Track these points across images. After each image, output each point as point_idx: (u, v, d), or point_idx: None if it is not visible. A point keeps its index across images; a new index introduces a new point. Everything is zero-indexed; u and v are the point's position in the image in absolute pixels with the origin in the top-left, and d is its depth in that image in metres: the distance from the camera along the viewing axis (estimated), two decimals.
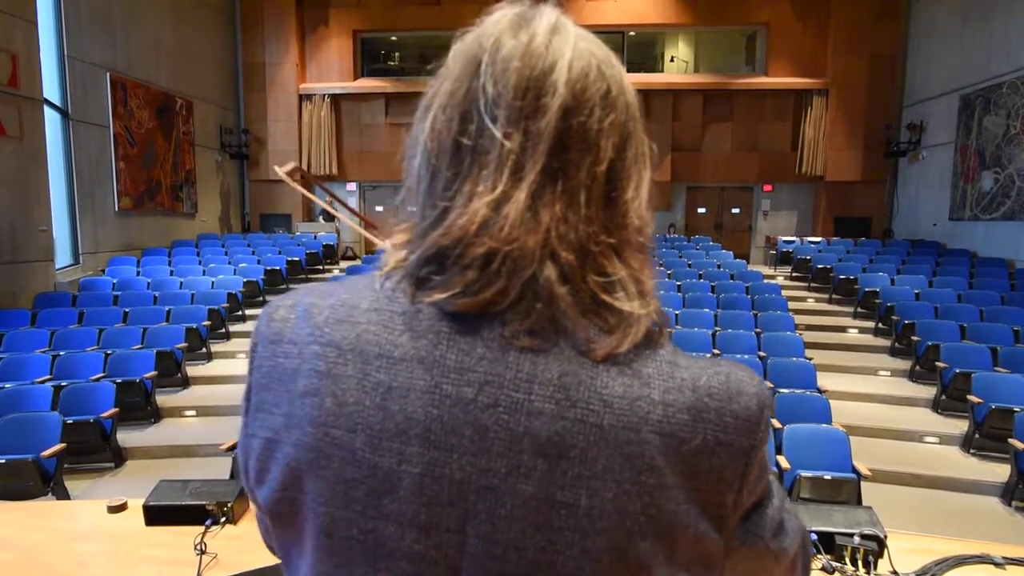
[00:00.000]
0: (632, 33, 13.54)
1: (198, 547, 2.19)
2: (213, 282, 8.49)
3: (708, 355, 0.50)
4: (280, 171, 0.97)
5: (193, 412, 5.78)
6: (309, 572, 0.51)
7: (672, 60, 14.14)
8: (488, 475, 0.46)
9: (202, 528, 2.31)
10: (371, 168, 13.92)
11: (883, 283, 8.35)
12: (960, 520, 4.03)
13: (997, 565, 2.00)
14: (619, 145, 0.50)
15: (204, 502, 2.41)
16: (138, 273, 8.98)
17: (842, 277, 8.92)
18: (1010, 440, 4.15)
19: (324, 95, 13.40)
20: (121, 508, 2.54)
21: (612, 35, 13.58)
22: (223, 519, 2.40)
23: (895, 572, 1.87)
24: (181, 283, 8.42)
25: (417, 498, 0.47)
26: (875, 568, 1.86)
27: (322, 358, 0.50)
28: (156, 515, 2.41)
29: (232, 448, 3.94)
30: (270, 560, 2.00)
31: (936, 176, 11.20)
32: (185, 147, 11.47)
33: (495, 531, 0.46)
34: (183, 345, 6.33)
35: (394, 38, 14.33)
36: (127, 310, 7.09)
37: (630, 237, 0.50)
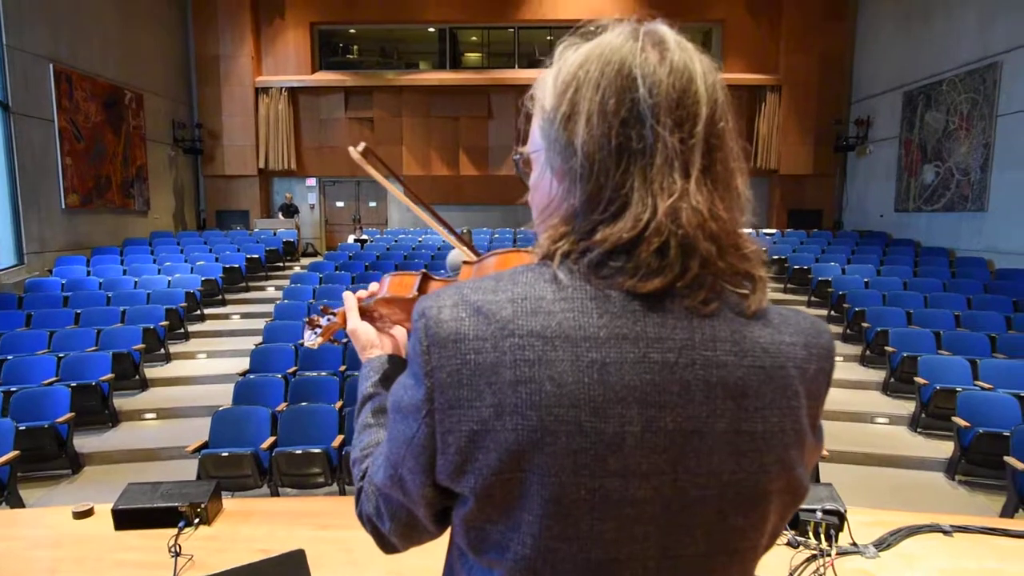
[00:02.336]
0: (592, 28, 13.65)
1: (172, 549, 2.16)
2: (170, 281, 8.24)
3: None
4: (353, 152, 0.97)
5: (153, 415, 5.62)
6: (529, 542, 0.56)
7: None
8: (694, 420, 0.56)
9: (175, 531, 2.28)
10: (331, 163, 13.70)
11: (835, 272, 8.69)
12: (909, 494, 4.26)
13: (946, 533, 2.14)
14: (735, 142, 0.60)
15: (176, 504, 2.37)
16: (88, 273, 8.64)
17: (796, 267, 9.24)
18: (953, 418, 4.40)
19: (281, 88, 13.11)
20: (87, 513, 2.47)
21: (570, 29, 13.68)
22: (197, 520, 2.37)
23: (855, 544, 1.99)
24: (135, 283, 8.15)
25: (638, 452, 0.55)
26: (836, 541, 1.97)
27: (527, 348, 0.55)
28: (126, 519, 2.35)
29: (199, 449, 3.86)
30: (250, 558, 1.99)
31: (882, 169, 11.69)
32: (136, 142, 11.06)
33: (699, 465, 0.56)
34: (140, 346, 6.14)
35: (353, 31, 14.12)
36: (79, 311, 6.83)
37: (745, 217, 0.61)
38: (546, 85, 0.63)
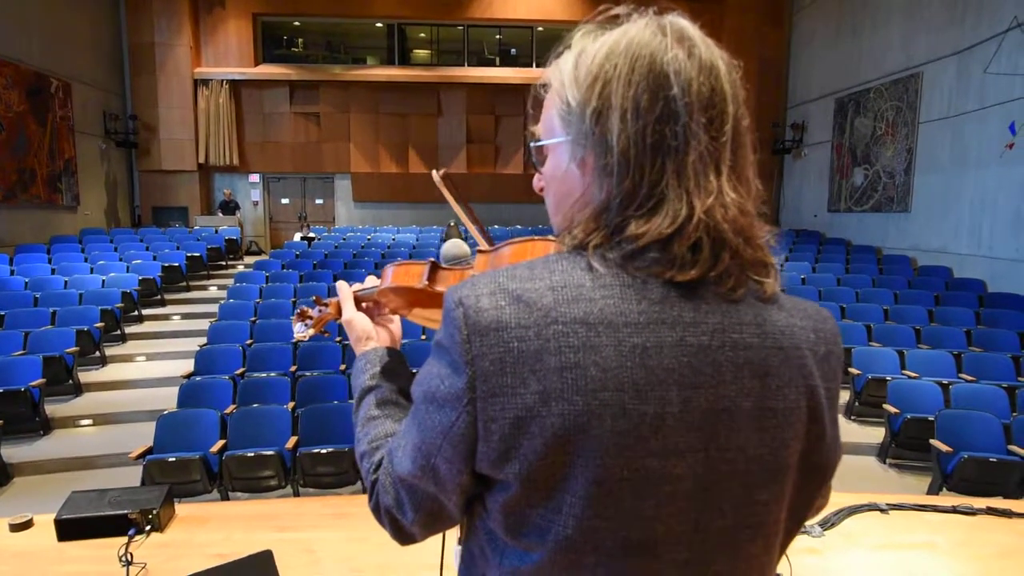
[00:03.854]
0: (540, 29, 13.78)
1: (123, 558, 2.07)
2: (104, 280, 7.82)
3: None
4: (436, 176, 1.00)
5: (89, 421, 5.34)
6: (571, 523, 0.58)
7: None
8: (724, 399, 0.59)
9: (124, 539, 2.19)
10: (275, 159, 13.33)
11: None
12: (845, 477, 4.51)
13: (882, 511, 2.30)
14: (750, 137, 0.63)
15: (126, 511, 2.27)
16: (12, 272, 8.10)
17: None
18: (884, 406, 4.69)
19: (222, 80, 12.65)
20: (26, 525, 2.34)
21: (522, 29, 13.77)
22: (148, 528, 2.28)
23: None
24: (66, 282, 7.70)
25: (676, 431, 0.57)
26: None
27: (571, 335, 0.56)
28: (71, 529, 2.24)
29: (142, 455, 3.70)
30: (207, 564, 1.94)
31: (816, 172, 12.29)
32: (63, 133, 10.44)
33: (728, 441, 0.59)
34: (74, 349, 5.81)
35: (297, 23, 13.74)
36: (3, 313, 6.41)
37: (757, 207, 0.64)
38: (564, 74, 0.63)
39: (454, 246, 1.00)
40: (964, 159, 8.36)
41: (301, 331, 1.10)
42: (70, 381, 5.72)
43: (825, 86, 11.88)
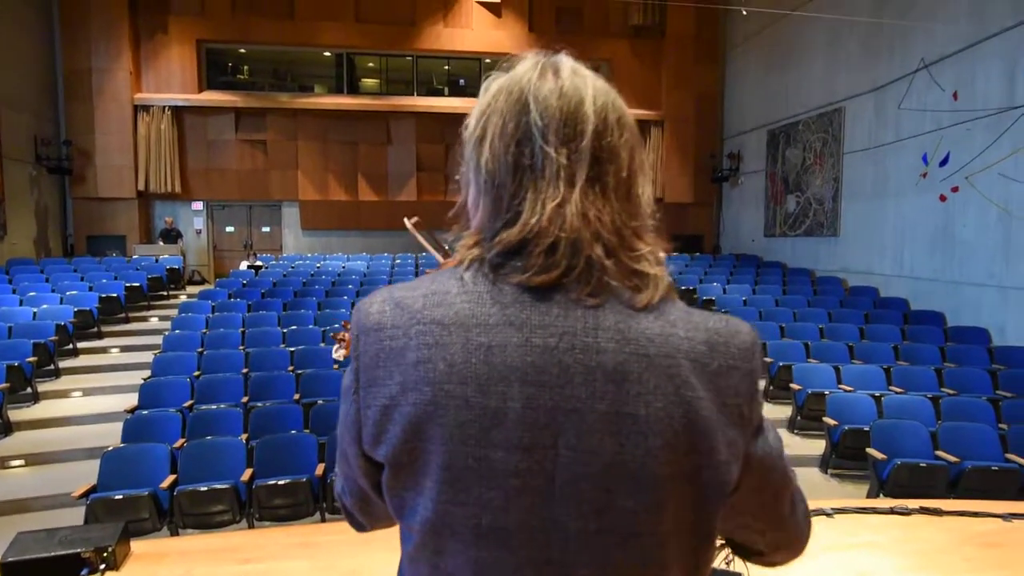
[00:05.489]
0: (488, 60, 14.12)
1: None
2: (35, 313, 7.42)
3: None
4: (408, 223, 1.03)
5: (20, 462, 5.02)
6: (431, 504, 0.63)
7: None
8: (573, 400, 0.61)
9: None
10: (219, 186, 13.01)
11: (716, 292, 9.48)
12: None
13: (828, 515, 2.45)
14: (631, 156, 0.67)
15: (79, 550, 2.18)
16: None
17: (683, 288, 9.98)
18: (824, 419, 4.96)
19: (164, 107, 12.32)
20: None
21: (470, 61, 14.06)
22: (103, 567, 2.19)
23: None
24: None
25: (519, 426, 0.61)
26: None
27: (428, 334, 0.63)
28: (18, 572, 2.14)
29: (85, 494, 3.53)
30: None
31: (752, 199, 12.95)
32: None
33: (580, 442, 0.60)
34: (3, 386, 5.48)
35: (243, 51, 13.60)
36: None
37: (645, 222, 0.68)
38: (472, 114, 0.71)
39: None
40: (885, 187, 9.02)
41: (338, 352, 1.14)
42: None
43: (758, 118, 12.60)
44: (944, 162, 7.88)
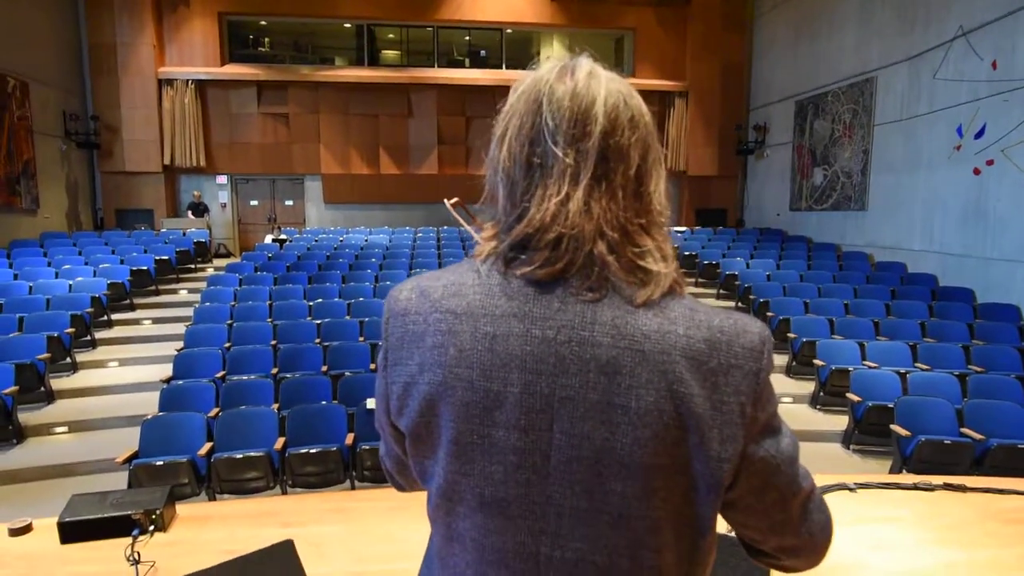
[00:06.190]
0: (509, 31, 13.91)
1: (131, 558, 2.11)
2: (71, 285, 7.64)
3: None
4: (448, 203, 1.07)
5: (64, 428, 5.24)
6: (442, 473, 0.71)
7: (548, 59, 14.67)
8: (567, 389, 0.65)
9: (128, 540, 2.22)
10: (243, 160, 13.13)
11: (740, 267, 9.39)
12: (812, 463, 4.64)
13: (851, 490, 2.48)
14: (642, 154, 0.69)
15: (129, 512, 2.30)
16: None
17: (707, 263, 9.91)
18: (847, 395, 4.95)
19: (188, 80, 12.40)
20: (26, 529, 2.34)
21: (491, 31, 13.86)
22: (152, 528, 2.31)
23: None
24: (30, 287, 7.48)
25: (518, 408, 0.66)
26: None
27: (443, 321, 0.69)
28: (73, 531, 2.26)
29: (128, 460, 3.69)
30: (216, 560, 2.00)
31: (778, 172, 12.71)
32: (21, 134, 10.11)
33: (573, 427, 0.65)
34: (45, 356, 5.69)
35: (264, 23, 13.57)
36: None
37: (654, 218, 0.70)
38: (500, 112, 0.74)
39: None
40: (916, 160, 8.79)
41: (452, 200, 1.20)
42: (42, 388, 5.60)
43: (785, 89, 12.29)
44: (980, 134, 7.65)
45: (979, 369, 5.43)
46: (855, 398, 4.82)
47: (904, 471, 4.01)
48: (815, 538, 0.75)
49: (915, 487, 2.54)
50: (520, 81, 0.73)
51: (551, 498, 0.66)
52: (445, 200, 1.18)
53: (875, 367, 5.38)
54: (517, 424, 0.66)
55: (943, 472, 3.29)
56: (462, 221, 1.15)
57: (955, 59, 8.07)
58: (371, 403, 4.19)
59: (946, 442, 3.96)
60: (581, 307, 0.66)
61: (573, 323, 0.65)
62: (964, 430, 4.18)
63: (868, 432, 4.78)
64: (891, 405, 4.43)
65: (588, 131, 0.66)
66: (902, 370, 5.17)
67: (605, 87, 0.69)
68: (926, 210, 8.62)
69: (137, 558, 2.11)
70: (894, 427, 4.18)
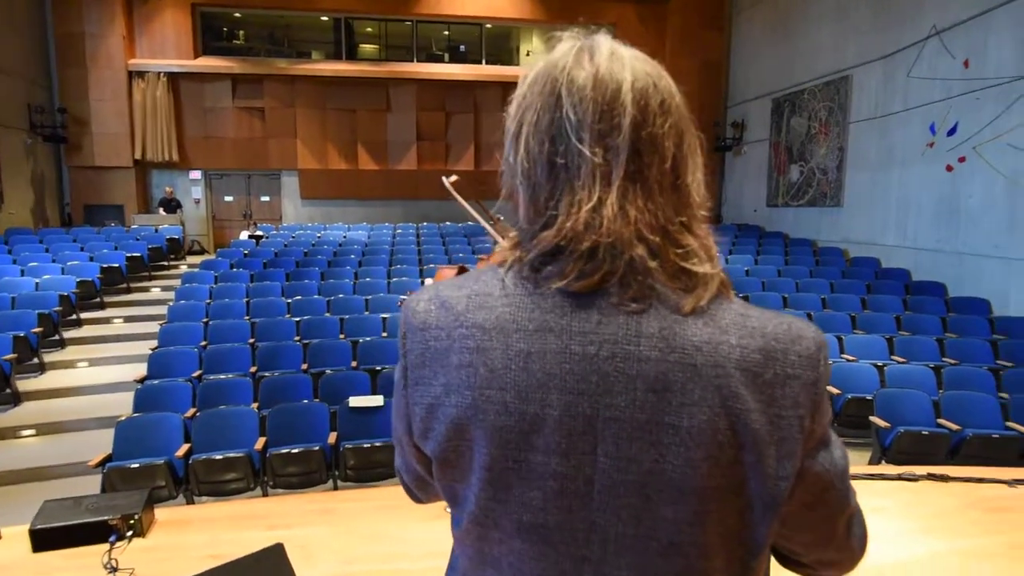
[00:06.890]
0: (489, 26, 13.82)
1: (108, 565, 2.05)
2: (37, 283, 7.40)
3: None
4: (447, 181, 1.02)
5: (32, 431, 5.07)
6: (475, 500, 0.65)
7: (528, 54, 14.68)
8: (612, 409, 0.59)
9: (105, 546, 2.15)
10: (217, 155, 12.87)
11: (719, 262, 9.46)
12: None
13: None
14: (677, 142, 0.63)
15: (106, 517, 2.22)
16: None
17: None
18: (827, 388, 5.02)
19: (160, 73, 12.10)
20: None
21: (471, 26, 13.77)
22: (130, 533, 2.24)
23: None
24: None
25: (558, 432, 0.60)
26: None
27: (470, 338, 0.62)
28: (47, 539, 2.18)
29: (102, 463, 3.58)
30: (198, 567, 1.94)
31: (755, 168, 12.86)
32: None
33: (619, 450, 0.60)
34: (11, 356, 5.50)
35: (239, 15, 13.29)
36: None
37: (695, 212, 0.64)
38: (511, 103, 0.67)
39: None
40: (890, 157, 8.96)
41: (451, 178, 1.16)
42: (8, 390, 5.41)
43: (763, 86, 12.43)
44: (952, 132, 7.81)
45: (953, 361, 5.55)
46: (834, 391, 4.89)
47: (883, 462, 4.07)
48: (855, 552, 0.73)
49: (899, 477, 2.58)
50: (531, 67, 0.65)
51: (595, 524, 0.61)
52: (444, 179, 1.14)
53: (853, 360, 5.46)
54: (557, 448, 0.60)
55: (921, 462, 3.35)
56: (464, 204, 1.11)
57: (929, 58, 8.23)
58: (354, 401, 4.12)
59: (924, 433, 4.03)
60: (624, 319, 0.59)
61: (616, 337, 0.59)
62: (941, 421, 4.27)
63: (847, 424, 4.85)
64: (870, 397, 4.50)
65: (616, 124, 0.60)
66: (879, 363, 5.26)
67: (631, 69, 0.61)
68: (900, 206, 8.79)
69: (115, 565, 2.04)
70: (874, 419, 4.24)
